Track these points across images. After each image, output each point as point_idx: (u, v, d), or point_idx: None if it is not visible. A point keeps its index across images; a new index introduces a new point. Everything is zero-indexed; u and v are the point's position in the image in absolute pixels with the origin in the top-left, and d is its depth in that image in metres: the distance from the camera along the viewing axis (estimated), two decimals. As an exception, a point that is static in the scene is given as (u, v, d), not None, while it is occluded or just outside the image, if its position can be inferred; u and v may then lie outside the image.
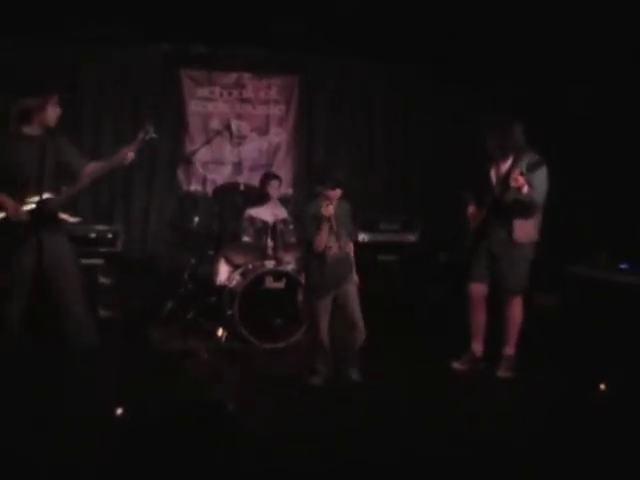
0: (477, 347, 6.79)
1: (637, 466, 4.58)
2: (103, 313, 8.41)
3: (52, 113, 6.20)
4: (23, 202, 5.98)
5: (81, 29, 8.83)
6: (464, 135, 9.80)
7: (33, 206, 5.99)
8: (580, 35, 8.36)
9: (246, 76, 10.04)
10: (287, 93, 10.20)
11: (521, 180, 6.10)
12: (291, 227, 8.16)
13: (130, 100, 9.63)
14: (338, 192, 6.08)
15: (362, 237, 9.35)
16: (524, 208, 6.40)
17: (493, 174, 6.62)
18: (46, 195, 6.02)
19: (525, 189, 6.17)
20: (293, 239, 8.12)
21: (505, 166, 6.56)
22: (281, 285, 7.73)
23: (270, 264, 7.90)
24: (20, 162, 6.03)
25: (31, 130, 6.15)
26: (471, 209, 6.73)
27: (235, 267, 8.12)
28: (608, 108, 8.77)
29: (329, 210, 5.96)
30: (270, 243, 8.03)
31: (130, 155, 6.24)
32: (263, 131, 10.16)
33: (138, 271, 8.63)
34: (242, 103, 10.06)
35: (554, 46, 8.78)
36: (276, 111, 10.20)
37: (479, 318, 6.77)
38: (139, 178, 9.57)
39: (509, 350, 6.67)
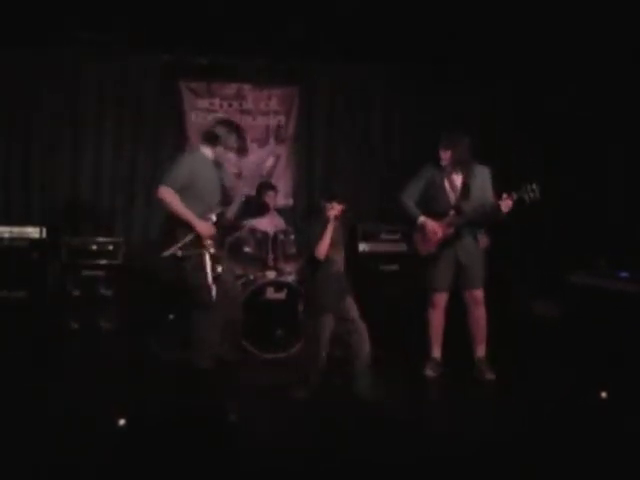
0: (437, 353, 6.97)
1: (636, 471, 4.59)
2: (104, 324, 8.45)
3: (240, 142, 6.77)
4: (205, 218, 6.41)
5: (81, 40, 8.88)
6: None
7: (214, 219, 6.47)
8: (581, 35, 8.36)
9: (246, 87, 10.05)
10: (287, 104, 10.21)
11: (510, 204, 6.41)
12: (292, 238, 8.17)
13: (130, 112, 9.64)
14: (338, 207, 6.08)
15: (363, 247, 9.38)
16: (492, 223, 6.75)
17: (447, 186, 6.82)
18: (219, 209, 6.58)
19: (507, 210, 6.45)
20: (293, 250, 8.13)
21: (457, 178, 6.83)
22: (282, 296, 7.74)
23: (271, 275, 7.91)
24: (205, 183, 6.52)
25: (208, 153, 6.65)
26: (428, 222, 6.80)
27: (236, 278, 8.12)
28: (607, 113, 8.79)
29: (333, 214, 6.02)
30: (271, 254, 8.04)
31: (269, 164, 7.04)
32: (263, 142, 10.17)
33: (139, 282, 8.64)
34: (242, 114, 10.06)
35: (554, 46, 8.78)
36: (276, 122, 10.21)
37: (440, 324, 6.97)
38: (139, 190, 9.57)
39: (482, 351, 6.88)
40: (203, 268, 6.36)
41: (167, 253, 6.35)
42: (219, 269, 6.46)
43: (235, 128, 6.76)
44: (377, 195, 10.23)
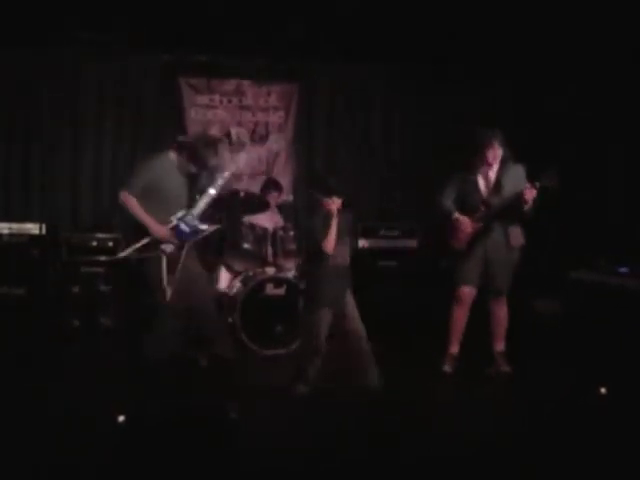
0: (455, 349, 6.93)
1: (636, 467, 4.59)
2: (104, 321, 8.44)
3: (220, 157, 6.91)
4: (166, 221, 6.48)
5: (81, 40, 8.88)
6: (467, 140, 9.86)
7: (174, 223, 6.50)
8: (580, 34, 8.36)
9: (245, 83, 10.04)
10: (287, 100, 10.20)
11: (534, 193, 6.34)
12: (291, 234, 8.16)
13: (130, 109, 9.62)
14: (338, 201, 6.05)
15: (362, 243, 9.37)
16: (519, 216, 6.61)
17: (482, 183, 6.78)
18: (183, 211, 6.57)
19: (530, 202, 6.40)
20: (293, 246, 8.12)
21: (492, 174, 6.76)
22: (282, 292, 7.74)
23: (270, 271, 7.92)
24: (170, 189, 6.59)
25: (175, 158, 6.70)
26: (460, 217, 6.76)
27: (235, 274, 8.12)
28: (607, 113, 8.78)
29: (335, 208, 5.99)
30: (270, 250, 8.04)
31: (242, 157, 7.36)
32: (263, 138, 10.15)
33: (138, 279, 8.63)
34: (242, 110, 10.05)
35: (554, 46, 8.77)
36: (275, 118, 10.20)
37: (463, 320, 6.91)
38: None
39: (502, 346, 6.86)
40: (159, 271, 6.40)
41: (122, 255, 6.45)
42: (178, 271, 6.45)
43: (212, 143, 6.87)
44: (377, 194, 10.23)
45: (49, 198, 9.27)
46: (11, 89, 9.19)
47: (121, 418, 3.60)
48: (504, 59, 9.37)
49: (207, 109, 9.96)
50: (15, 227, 8.30)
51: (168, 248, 6.42)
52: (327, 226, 5.98)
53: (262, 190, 8.60)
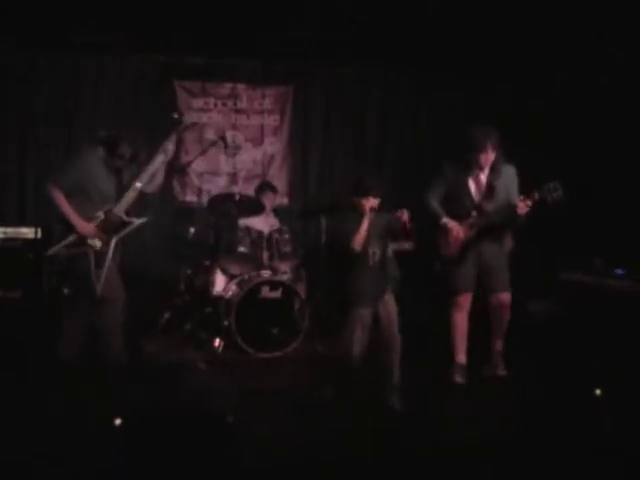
0: (463, 357, 6.81)
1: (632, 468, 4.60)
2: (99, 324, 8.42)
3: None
4: (93, 217, 6.42)
5: (77, 41, 8.88)
6: (462, 141, 9.86)
7: (102, 217, 6.45)
8: (581, 36, 8.37)
9: (240, 87, 10.04)
10: (281, 103, 10.20)
11: (529, 205, 6.25)
12: (286, 237, 8.17)
13: (126, 112, 9.61)
14: (377, 200, 6.00)
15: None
16: (513, 221, 6.52)
17: (472, 186, 6.66)
18: (109, 205, 6.48)
19: (524, 212, 6.30)
20: (289, 249, 8.14)
21: (483, 176, 6.64)
22: (277, 295, 7.75)
23: (266, 274, 7.92)
24: (99, 185, 6.50)
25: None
26: (450, 223, 6.64)
27: (231, 277, 8.13)
28: (601, 115, 8.79)
29: (370, 204, 5.94)
30: (266, 253, 8.05)
31: (170, 147, 6.76)
32: (258, 141, 10.16)
33: (134, 282, 8.60)
34: (237, 113, 10.06)
35: (554, 47, 8.78)
36: (271, 121, 10.20)
37: (465, 326, 6.82)
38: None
39: (500, 345, 6.81)
40: (87, 267, 6.40)
41: (51, 252, 6.44)
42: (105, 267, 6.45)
43: (129, 137, 6.76)
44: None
45: (44, 202, 9.24)
46: (6, 92, 9.18)
47: (117, 421, 3.59)
48: (502, 61, 9.37)
49: (202, 112, 9.96)
50: (10, 231, 8.27)
51: (96, 244, 6.40)
52: (359, 225, 5.89)
53: (257, 192, 8.61)
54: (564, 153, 8.81)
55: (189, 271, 8.28)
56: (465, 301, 6.77)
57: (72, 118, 9.43)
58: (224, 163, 9.88)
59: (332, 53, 9.39)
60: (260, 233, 8.08)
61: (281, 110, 10.23)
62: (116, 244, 6.53)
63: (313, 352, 7.58)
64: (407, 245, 7.01)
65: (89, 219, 6.39)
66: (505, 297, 6.71)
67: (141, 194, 6.62)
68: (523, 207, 6.26)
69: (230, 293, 7.84)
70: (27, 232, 8.20)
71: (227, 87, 10.02)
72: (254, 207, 8.34)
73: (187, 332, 7.84)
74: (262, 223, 8.31)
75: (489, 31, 8.49)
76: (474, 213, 6.57)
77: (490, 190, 6.59)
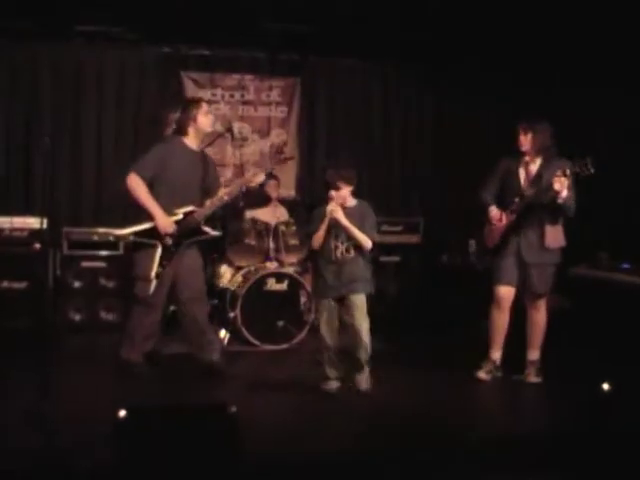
0: (497, 355, 6.63)
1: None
2: (105, 316, 8.42)
3: (206, 121, 6.52)
4: (172, 213, 6.32)
5: (82, 32, 8.87)
6: (465, 134, 9.84)
7: (180, 217, 6.34)
8: (581, 36, 8.34)
9: (248, 78, 10.01)
10: (289, 95, 10.17)
11: (565, 182, 6.00)
12: (293, 229, 8.16)
13: (131, 103, 9.58)
14: (342, 191, 5.94)
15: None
16: (557, 212, 6.33)
17: (522, 175, 6.49)
18: (192, 207, 6.37)
19: (564, 193, 6.07)
20: (295, 241, 8.13)
21: (534, 167, 6.47)
22: (283, 287, 7.75)
23: (272, 266, 7.92)
24: (180, 175, 6.38)
25: (189, 141, 6.51)
26: (494, 211, 6.53)
27: (237, 269, 8.12)
28: (607, 110, 8.75)
29: (331, 207, 5.87)
30: (272, 245, 8.04)
31: (260, 176, 6.68)
32: (265, 133, 10.12)
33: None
34: (244, 105, 10.02)
35: (553, 44, 8.76)
36: (278, 113, 10.17)
37: (504, 323, 6.59)
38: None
39: (535, 355, 6.60)
40: (151, 260, 6.31)
41: (120, 233, 6.37)
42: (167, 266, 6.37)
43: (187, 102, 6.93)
44: (378, 188, 10.20)
45: (51, 193, 9.23)
46: (11, 83, 9.16)
47: (122, 413, 3.57)
48: (504, 57, 9.34)
49: (209, 104, 9.90)
50: (16, 221, 8.26)
51: (167, 241, 6.32)
52: (320, 221, 5.93)
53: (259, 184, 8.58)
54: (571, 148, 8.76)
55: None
56: (505, 295, 6.51)
57: (77, 109, 9.39)
58: (231, 154, 9.84)
59: (337, 46, 9.37)
60: (267, 225, 8.07)
61: (288, 102, 10.19)
62: (185, 248, 6.44)
63: (319, 345, 7.56)
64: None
65: (169, 214, 6.34)
66: (536, 298, 6.54)
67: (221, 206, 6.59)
68: (557, 182, 5.99)
69: (236, 285, 7.83)
70: (33, 222, 8.18)
71: (234, 78, 9.98)
72: (260, 199, 8.33)
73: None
74: (269, 215, 8.31)
75: (494, 22, 8.42)
76: (516, 199, 6.37)
77: (537, 178, 6.39)
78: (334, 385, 6.06)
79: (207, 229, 6.52)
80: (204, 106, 6.59)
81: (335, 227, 5.93)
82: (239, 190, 6.55)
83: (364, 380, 6.03)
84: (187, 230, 6.38)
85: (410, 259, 9.35)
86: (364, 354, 5.97)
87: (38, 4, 7.99)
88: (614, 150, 8.48)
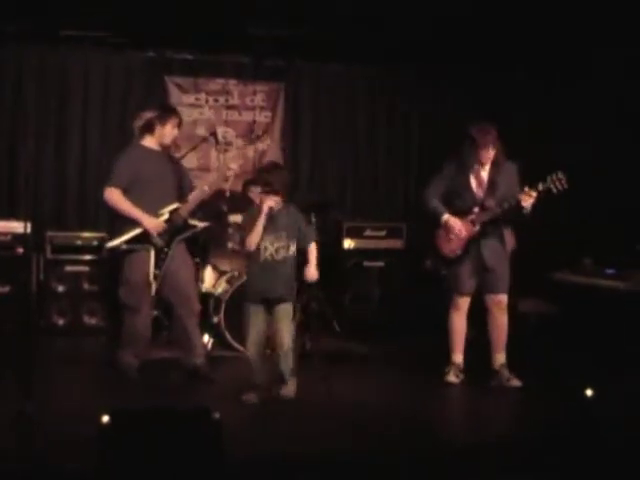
0: (460, 358, 6.73)
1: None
2: (88, 320, 8.41)
3: (171, 132, 6.58)
4: (158, 214, 6.38)
5: (68, 36, 8.86)
6: (451, 139, 9.85)
7: (167, 216, 6.41)
8: (580, 36, 8.38)
9: (232, 83, 10.00)
10: (273, 100, 10.16)
11: (534, 196, 6.17)
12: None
13: (115, 108, 9.56)
14: (269, 199, 5.96)
15: (348, 244, 9.33)
16: (516, 221, 6.46)
17: (473, 181, 6.58)
18: (175, 205, 6.46)
19: (529, 206, 6.22)
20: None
21: (484, 172, 6.57)
22: (267, 292, 7.72)
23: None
24: (151, 175, 6.44)
25: (152, 144, 6.57)
26: (452, 220, 6.56)
27: (221, 274, 8.11)
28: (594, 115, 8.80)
29: (262, 208, 5.92)
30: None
31: (236, 164, 7.03)
32: (249, 138, 10.11)
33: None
34: (228, 110, 10.01)
35: (552, 46, 8.80)
36: (262, 118, 10.17)
37: (463, 327, 6.72)
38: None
39: (504, 357, 6.65)
40: (145, 264, 6.35)
41: (111, 244, 6.40)
42: (164, 266, 6.41)
43: (165, 107, 7.04)
44: (363, 193, 10.22)
45: (34, 196, 9.21)
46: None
47: (105, 418, 3.57)
48: (490, 59, 9.38)
49: (193, 108, 9.90)
50: (0, 225, 8.24)
51: (158, 242, 6.35)
52: (252, 223, 5.94)
53: (243, 189, 8.59)
54: (557, 152, 8.80)
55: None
56: (464, 303, 6.67)
57: (62, 113, 9.36)
58: (215, 159, 9.83)
59: (322, 51, 9.39)
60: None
61: (272, 107, 10.18)
62: (176, 245, 6.49)
63: (302, 349, 7.57)
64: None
65: (154, 216, 6.38)
66: (502, 299, 6.61)
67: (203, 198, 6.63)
68: (527, 199, 6.17)
69: (220, 290, 7.83)
70: (17, 226, 8.15)
71: (218, 83, 9.97)
72: (244, 203, 8.31)
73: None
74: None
75: (480, 25, 8.43)
76: (476, 209, 6.47)
77: (492, 186, 6.49)
78: (256, 396, 5.99)
79: (195, 222, 6.63)
80: (178, 119, 6.68)
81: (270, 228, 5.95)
82: (218, 181, 6.77)
83: (290, 389, 6.07)
84: (176, 227, 6.45)
85: (393, 264, 9.36)
86: (284, 365, 6.06)
87: (23, 8, 7.96)
88: (602, 154, 8.54)
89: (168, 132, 6.55)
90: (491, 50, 9.13)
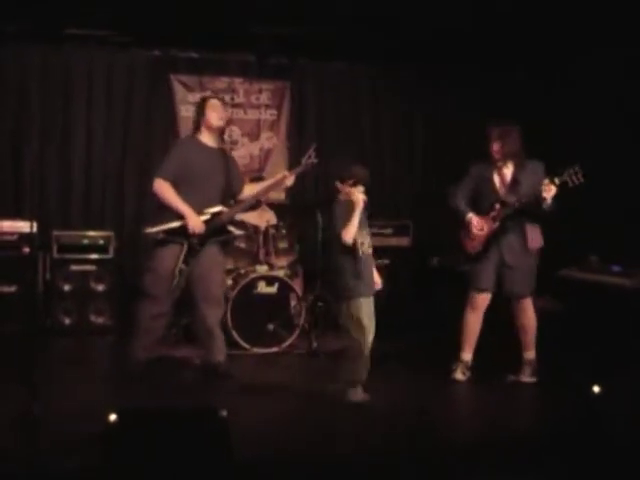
0: (468, 356, 6.72)
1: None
2: (95, 319, 8.41)
3: (212, 115, 6.53)
4: (201, 212, 6.36)
5: (72, 35, 8.86)
6: (455, 137, 9.84)
7: (208, 217, 6.39)
8: (579, 36, 8.36)
9: (237, 81, 10.00)
10: (278, 98, 10.16)
11: (553, 191, 6.15)
12: (283, 232, 8.17)
13: (120, 107, 9.56)
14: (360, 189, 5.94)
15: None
16: (537, 215, 6.43)
17: (497, 180, 6.57)
18: (220, 208, 6.46)
19: (550, 200, 6.20)
20: (285, 244, 8.13)
21: (508, 172, 6.56)
22: (273, 290, 7.75)
23: (262, 269, 7.91)
24: (200, 172, 6.41)
25: (205, 138, 6.55)
26: (474, 218, 6.58)
27: (227, 272, 8.11)
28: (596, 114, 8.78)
29: (361, 197, 5.87)
30: (262, 248, 8.03)
31: (291, 179, 6.78)
32: (254, 136, 10.11)
33: (130, 277, 8.60)
34: (233, 108, 10.00)
35: (551, 46, 8.78)
36: (267, 116, 10.16)
37: (477, 326, 6.68)
38: (130, 184, 9.50)
39: (531, 355, 6.67)
40: (174, 257, 6.34)
41: (150, 230, 6.38)
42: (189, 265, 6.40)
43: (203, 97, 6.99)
44: (369, 191, 10.19)
45: (40, 196, 9.22)
46: (1, 87, 9.13)
47: (112, 417, 3.57)
48: (494, 59, 9.38)
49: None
50: (6, 225, 8.24)
51: (194, 240, 6.35)
52: (349, 215, 5.83)
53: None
54: (562, 151, 8.78)
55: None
56: (481, 301, 6.63)
57: (66, 112, 9.36)
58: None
59: (326, 49, 9.38)
60: (256, 228, 8.07)
61: (278, 105, 10.18)
62: (209, 246, 6.47)
63: (309, 348, 7.57)
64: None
65: (198, 214, 6.37)
66: (524, 301, 6.62)
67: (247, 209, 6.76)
68: (548, 191, 6.15)
69: (226, 288, 7.82)
70: (23, 226, 8.16)
71: (224, 81, 9.97)
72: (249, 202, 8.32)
73: (183, 327, 7.82)
74: (258, 218, 8.29)
75: (483, 24, 8.41)
76: (497, 206, 6.47)
77: (514, 183, 6.50)
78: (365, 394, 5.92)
79: (232, 229, 6.65)
80: (211, 101, 6.65)
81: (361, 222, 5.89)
82: (266, 192, 6.80)
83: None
84: (213, 230, 6.45)
85: (400, 262, 9.35)
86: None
87: (27, 7, 7.96)
88: (606, 153, 8.51)
89: (210, 116, 6.49)
90: (491, 50, 9.12)
